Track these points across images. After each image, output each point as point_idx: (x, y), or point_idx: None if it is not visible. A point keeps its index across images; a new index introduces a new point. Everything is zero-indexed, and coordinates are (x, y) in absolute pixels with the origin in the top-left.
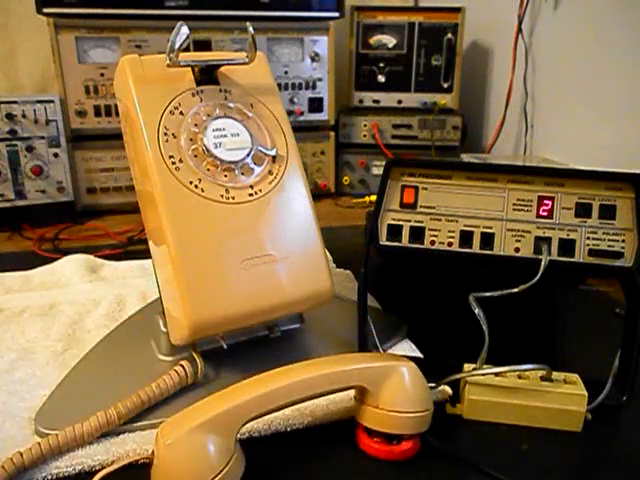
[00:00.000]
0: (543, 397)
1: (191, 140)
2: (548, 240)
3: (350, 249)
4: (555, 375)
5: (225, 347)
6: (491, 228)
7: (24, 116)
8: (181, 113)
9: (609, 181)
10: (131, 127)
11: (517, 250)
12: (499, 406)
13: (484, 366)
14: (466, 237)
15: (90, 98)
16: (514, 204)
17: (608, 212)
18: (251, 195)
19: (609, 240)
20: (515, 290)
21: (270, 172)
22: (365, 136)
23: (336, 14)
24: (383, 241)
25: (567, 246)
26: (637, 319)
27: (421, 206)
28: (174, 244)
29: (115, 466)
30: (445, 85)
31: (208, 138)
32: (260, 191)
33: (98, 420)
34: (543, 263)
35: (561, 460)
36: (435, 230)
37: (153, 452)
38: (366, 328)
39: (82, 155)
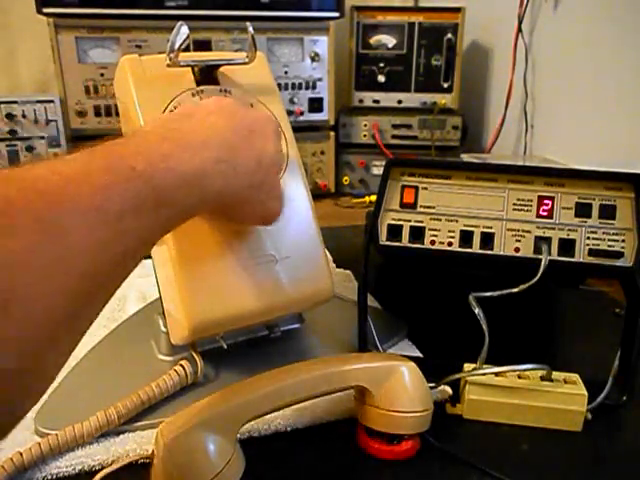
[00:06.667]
0: (543, 397)
1: None
2: (548, 240)
3: (350, 249)
4: (555, 375)
5: (225, 347)
6: (491, 228)
7: (24, 116)
8: None
9: (609, 181)
10: (131, 127)
11: (517, 250)
12: (499, 406)
13: (484, 366)
14: (466, 237)
15: (90, 98)
16: (514, 204)
17: (608, 212)
18: None
19: (609, 240)
20: (515, 290)
21: None
22: (365, 136)
23: (336, 14)
24: (383, 241)
25: (567, 246)
26: (637, 319)
27: (421, 206)
28: (174, 244)
29: (115, 466)
30: (445, 85)
31: None
32: None
33: (98, 420)
34: (543, 263)
35: (561, 460)
36: (435, 230)
37: (153, 452)
38: (366, 328)
39: None
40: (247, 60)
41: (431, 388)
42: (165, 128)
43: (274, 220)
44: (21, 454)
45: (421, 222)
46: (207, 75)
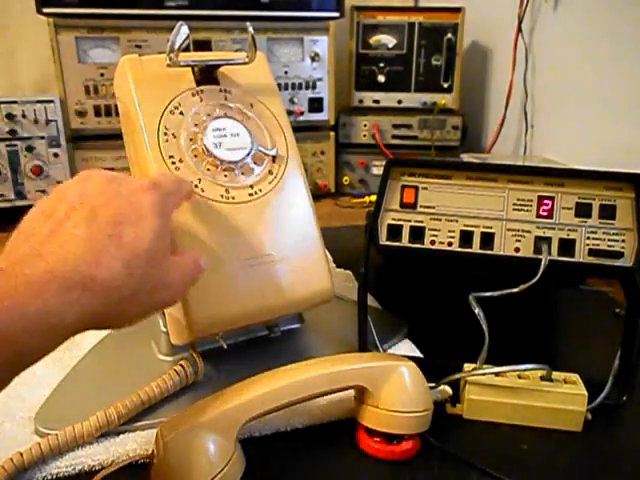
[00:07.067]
0: (543, 397)
1: (191, 140)
2: (548, 240)
3: (350, 249)
4: (555, 375)
5: (225, 347)
6: (491, 228)
7: (24, 116)
8: (181, 113)
9: (609, 181)
10: (131, 127)
11: (517, 250)
12: (499, 406)
13: (484, 366)
14: (466, 237)
15: (90, 98)
16: (514, 204)
17: (608, 212)
18: (251, 195)
19: (609, 240)
20: (515, 290)
21: (270, 172)
22: (365, 136)
23: (336, 14)
24: (383, 241)
25: (567, 246)
26: (637, 319)
27: (421, 206)
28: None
29: (115, 466)
30: (445, 85)
31: (208, 138)
32: (260, 191)
33: (98, 420)
34: (543, 263)
35: (561, 460)
36: (435, 230)
37: (153, 452)
38: (366, 328)
39: (82, 155)
40: (247, 60)
41: (431, 388)
42: (8, 257)
43: (175, 303)
44: (21, 454)
45: (421, 222)
46: (207, 75)
